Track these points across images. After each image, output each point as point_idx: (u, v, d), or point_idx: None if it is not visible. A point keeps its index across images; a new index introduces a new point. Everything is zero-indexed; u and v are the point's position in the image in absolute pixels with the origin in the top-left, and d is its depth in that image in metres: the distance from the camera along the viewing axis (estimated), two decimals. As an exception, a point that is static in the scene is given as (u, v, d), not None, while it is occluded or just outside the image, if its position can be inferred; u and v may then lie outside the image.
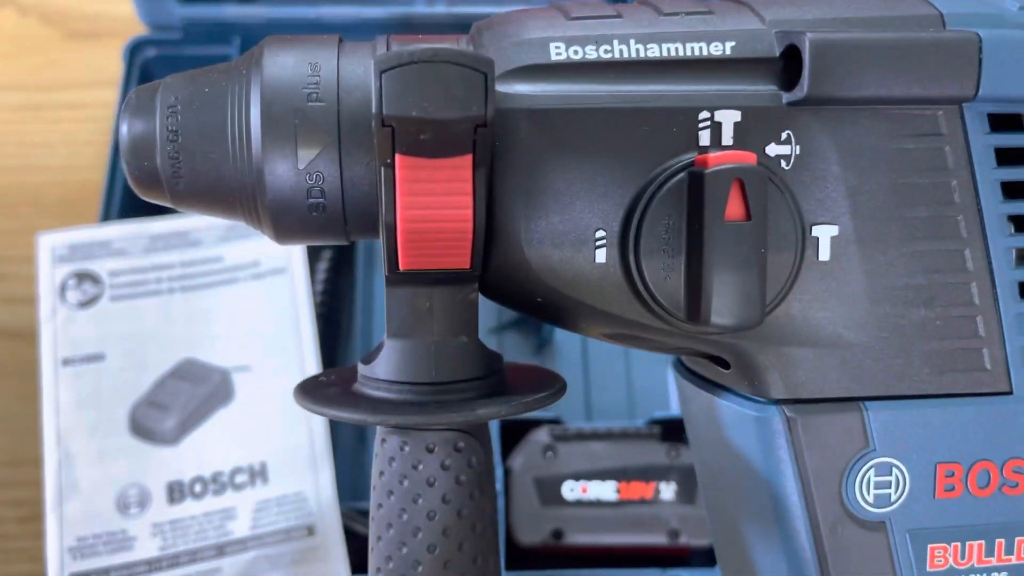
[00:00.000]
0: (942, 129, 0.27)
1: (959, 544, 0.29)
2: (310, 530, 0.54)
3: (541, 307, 0.29)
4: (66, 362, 0.55)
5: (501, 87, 0.26)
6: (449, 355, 0.28)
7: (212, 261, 0.59)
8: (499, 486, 0.54)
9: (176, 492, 0.54)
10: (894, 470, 0.29)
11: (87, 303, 0.57)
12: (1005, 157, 0.28)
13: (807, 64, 0.26)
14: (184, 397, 0.55)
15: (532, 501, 0.56)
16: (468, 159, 0.25)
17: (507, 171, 0.27)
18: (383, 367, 0.28)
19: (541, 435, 0.57)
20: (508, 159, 0.27)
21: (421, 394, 0.28)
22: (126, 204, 0.63)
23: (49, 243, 0.58)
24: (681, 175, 0.26)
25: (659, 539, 0.56)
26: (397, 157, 0.25)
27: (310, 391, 0.29)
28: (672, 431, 0.57)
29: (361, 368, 0.29)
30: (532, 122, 0.27)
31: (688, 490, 0.56)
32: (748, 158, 0.26)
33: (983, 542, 0.30)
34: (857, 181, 0.27)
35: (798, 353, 0.28)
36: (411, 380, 0.28)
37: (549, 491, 0.57)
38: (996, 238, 0.27)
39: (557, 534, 0.56)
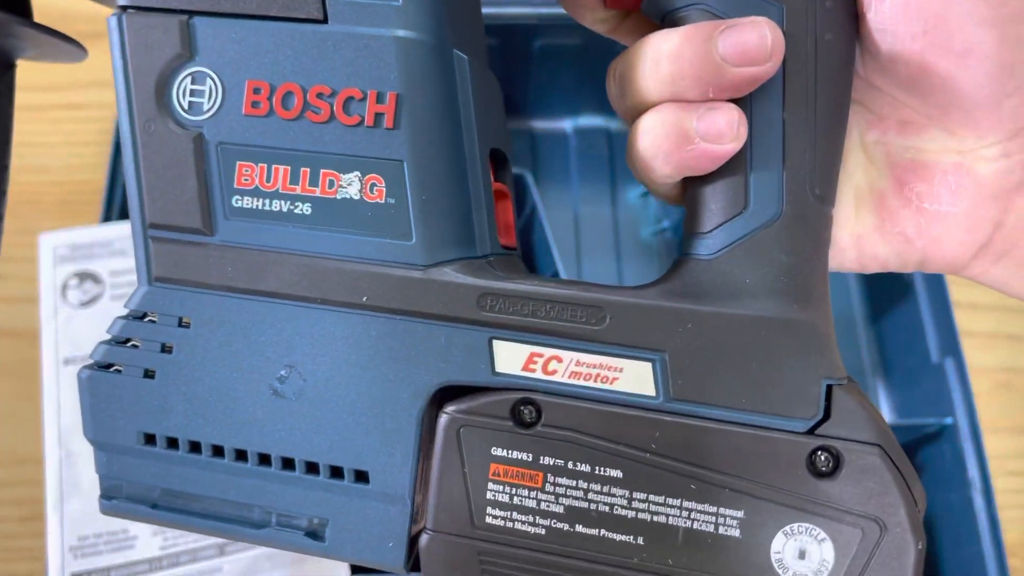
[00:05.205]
0: None
1: (266, 166, 0.30)
2: (310, 529, 0.54)
3: None
4: (67, 361, 0.56)
5: None
6: None
7: (213, 261, 0.59)
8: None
9: (177, 491, 0.54)
10: (209, 80, 0.30)
11: (88, 303, 0.57)
12: None
13: None
14: (185, 396, 0.55)
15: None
16: None
17: None
18: None
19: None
20: None
21: None
22: (127, 204, 0.63)
23: (50, 243, 0.58)
24: None
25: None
26: None
27: None
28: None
29: None
30: None
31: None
32: None
33: (289, 168, 0.30)
34: None
35: None
36: None
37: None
38: None
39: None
